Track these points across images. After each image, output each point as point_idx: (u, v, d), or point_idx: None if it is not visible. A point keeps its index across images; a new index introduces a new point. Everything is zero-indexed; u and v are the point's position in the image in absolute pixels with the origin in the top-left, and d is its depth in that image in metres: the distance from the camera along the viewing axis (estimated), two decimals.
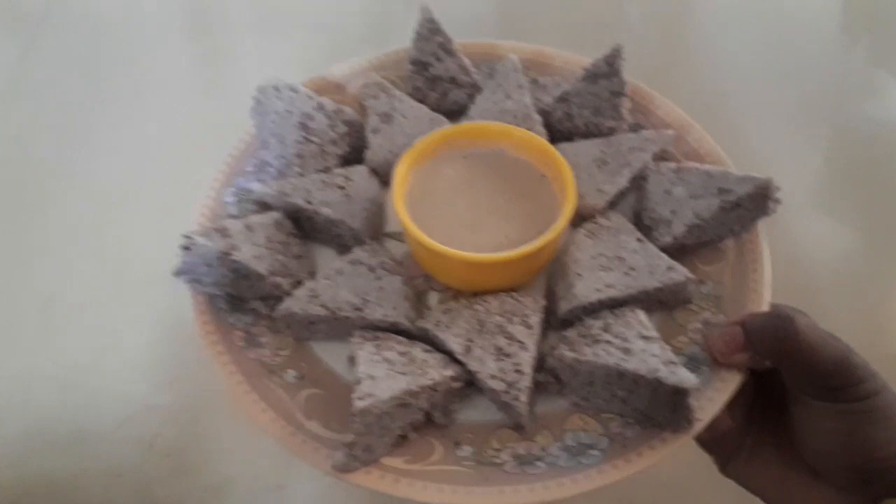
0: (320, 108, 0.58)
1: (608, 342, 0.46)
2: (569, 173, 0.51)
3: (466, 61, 0.62)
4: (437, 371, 0.46)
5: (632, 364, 0.44)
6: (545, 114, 0.59)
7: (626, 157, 0.56)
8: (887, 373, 0.45)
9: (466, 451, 0.46)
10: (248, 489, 0.69)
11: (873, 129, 0.89)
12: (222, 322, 0.51)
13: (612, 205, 0.56)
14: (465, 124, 0.56)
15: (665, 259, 0.50)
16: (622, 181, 0.56)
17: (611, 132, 0.58)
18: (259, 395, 0.48)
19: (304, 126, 0.57)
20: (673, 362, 0.44)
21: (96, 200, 0.81)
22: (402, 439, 0.47)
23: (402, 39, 0.64)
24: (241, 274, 0.50)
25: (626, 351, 0.45)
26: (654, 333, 0.47)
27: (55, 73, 0.92)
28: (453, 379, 0.46)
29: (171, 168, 0.80)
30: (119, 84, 0.92)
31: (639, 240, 0.52)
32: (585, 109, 0.58)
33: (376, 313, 0.50)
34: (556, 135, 0.58)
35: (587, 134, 0.59)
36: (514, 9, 0.96)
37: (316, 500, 0.70)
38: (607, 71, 0.57)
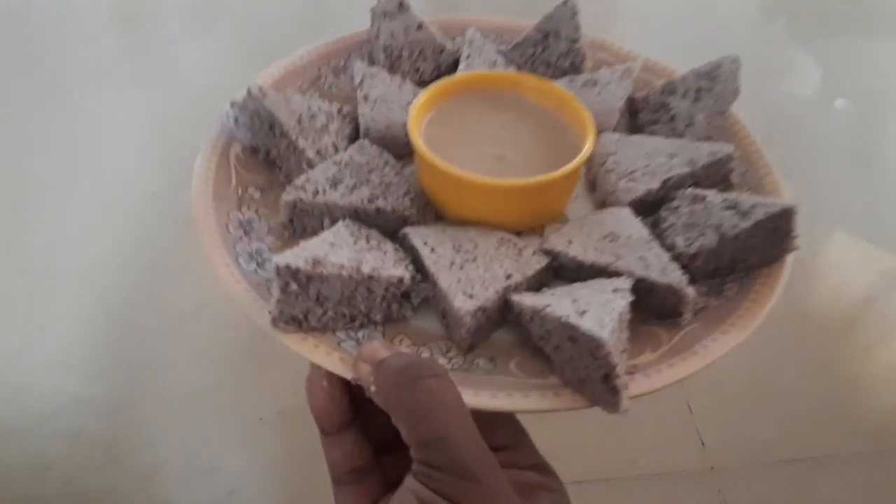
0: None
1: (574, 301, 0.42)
2: (587, 117, 0.51)
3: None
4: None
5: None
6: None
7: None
8: None
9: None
10: (180, 473, 0.66)
11: (792, 107, 0.93)
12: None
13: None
14: (483, 72, 0.58)
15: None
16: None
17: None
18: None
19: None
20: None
21: (21, 193, 0.79)
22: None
23: (340, 30, 0.64)
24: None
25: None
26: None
27: None
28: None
29: (99, 161, 0.79)
30: (46, 77, 0.91)
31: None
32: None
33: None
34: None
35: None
36: None
37: (248, 479, 0.67)
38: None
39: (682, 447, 0.74)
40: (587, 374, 0.39)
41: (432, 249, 0.46)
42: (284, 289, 0.41)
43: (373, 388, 0.38)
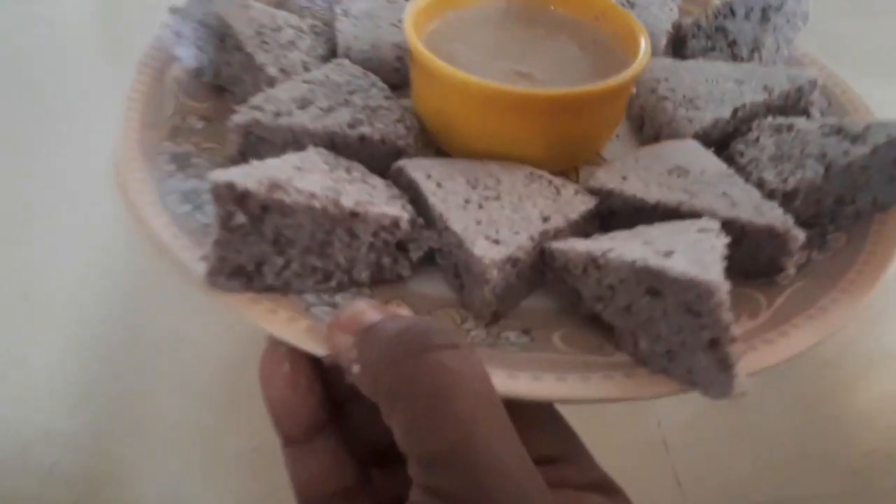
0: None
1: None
2: (636, 26, 0.39)
3: None
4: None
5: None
6: None
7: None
8: None
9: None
10: None
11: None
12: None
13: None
14: None
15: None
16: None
17: None
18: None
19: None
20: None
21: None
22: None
23: None
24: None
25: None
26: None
27: None
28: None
29: (78, 189, 0.72)
30: (25, 108, 0.84)
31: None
32: None
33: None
34: None
35: None
36: None
37: None
38: None
39: (658, 486, 0.66)
40: (680, 342, 0.26)
41: (438, 184, 0.33)
42: (227, 223, 0.28)
43: (356, 369, 0.25)
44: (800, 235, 0.31)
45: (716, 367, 0.25)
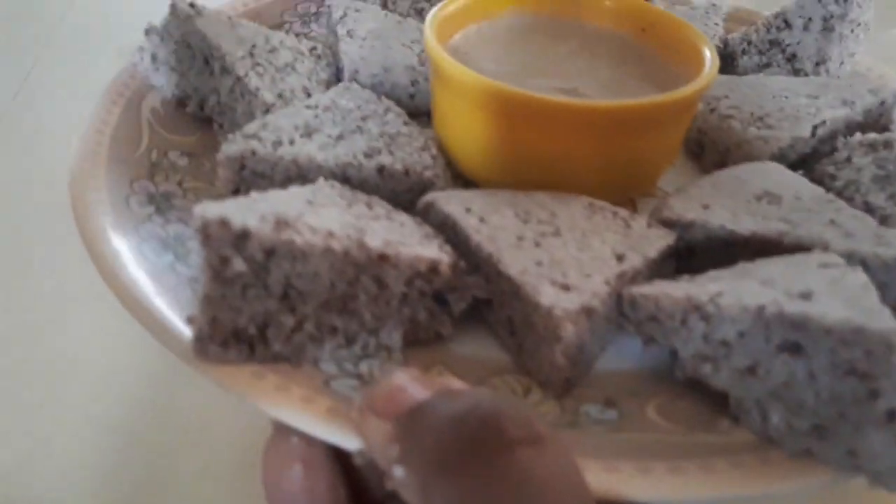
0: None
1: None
2: (695, 34, 0.34)
3: None
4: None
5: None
6: None
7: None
8: None
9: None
10: None
11: None
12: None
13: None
14: None
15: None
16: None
17: None
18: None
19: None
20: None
21: (28, 297, 0.69)
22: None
23: None
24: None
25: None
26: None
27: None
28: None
29: None
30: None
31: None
32: None
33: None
34: None
35: None
36: None
37: None
38: None
39: None
40: (836, 414, 0.20)
41: (481, 219, 0.27)
42: (220, 273, 0.21)
43: (398, 472, 0.18)
44: None
45: (893, 447, 0.19)
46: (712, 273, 0.25)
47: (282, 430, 0.21)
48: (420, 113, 0.36)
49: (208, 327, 0.21)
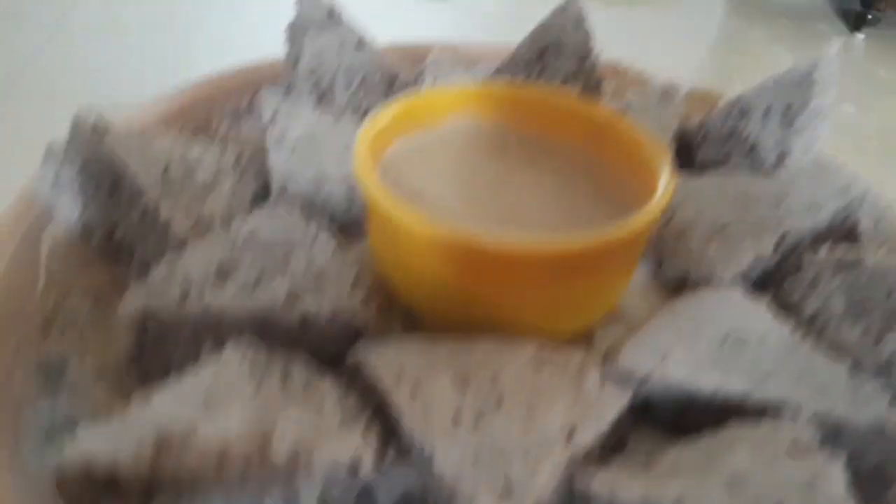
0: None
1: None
2: (647, 143, 0.31)
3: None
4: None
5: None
6: None
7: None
8: None
9: None
10: None
11: None
12: None
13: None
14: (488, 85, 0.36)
15: None
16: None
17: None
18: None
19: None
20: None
21: None
22: None
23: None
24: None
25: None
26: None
27: None
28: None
29: None
30: None
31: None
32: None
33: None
34: None
35: None
36: None
37: None
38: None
39: None
40: None
41: (414, 390, 0.24)
42: None
43: None
44: None
45: None
46: (672, 457, 0.22)
47: None
48: (356, 222, 0.33)
49: None
